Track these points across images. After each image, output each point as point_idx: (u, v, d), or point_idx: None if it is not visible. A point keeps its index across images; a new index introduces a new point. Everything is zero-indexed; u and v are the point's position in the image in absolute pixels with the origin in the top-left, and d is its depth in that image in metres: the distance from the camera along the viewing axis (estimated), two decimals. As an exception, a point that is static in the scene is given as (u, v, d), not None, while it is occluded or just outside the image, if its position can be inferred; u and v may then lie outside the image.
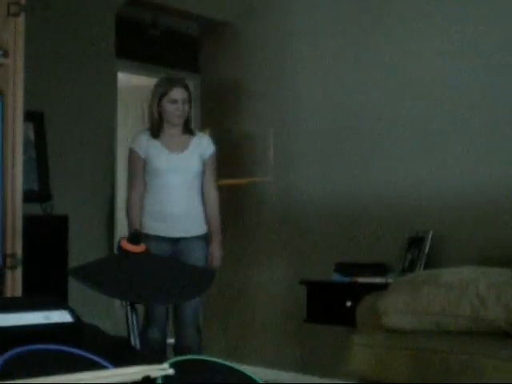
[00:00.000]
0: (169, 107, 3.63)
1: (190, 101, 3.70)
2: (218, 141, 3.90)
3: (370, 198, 4.06)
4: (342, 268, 3.89)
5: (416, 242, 3.80)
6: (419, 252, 3.75)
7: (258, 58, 4.68)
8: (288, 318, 4.40)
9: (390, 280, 3.53)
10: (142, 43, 4.85)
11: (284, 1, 4.59)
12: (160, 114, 3.67)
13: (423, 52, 3.96)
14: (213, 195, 3.70)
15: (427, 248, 3.72)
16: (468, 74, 3.79)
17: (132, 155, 3.68)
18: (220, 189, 3.84)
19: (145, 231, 3.53)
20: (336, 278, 3.86)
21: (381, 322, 3.01)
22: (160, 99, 3.64)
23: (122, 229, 4.23)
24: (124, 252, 1.58)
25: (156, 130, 3.68)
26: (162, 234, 3.58)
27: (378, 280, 3.71)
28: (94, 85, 4.31)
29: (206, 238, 3.66)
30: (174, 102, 3.63)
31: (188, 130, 3.72)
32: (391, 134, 4.06)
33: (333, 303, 3.79)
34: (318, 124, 4.38)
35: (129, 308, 1.50)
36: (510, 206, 3.59)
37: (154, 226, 3.59)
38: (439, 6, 3.91)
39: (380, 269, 3.85)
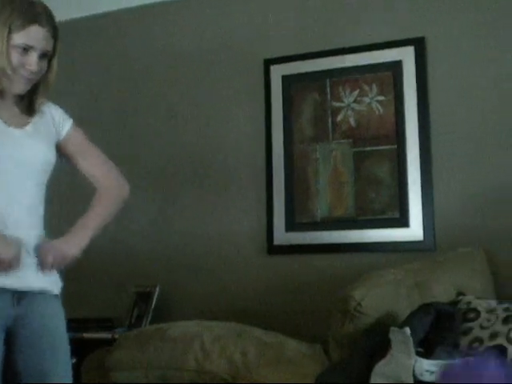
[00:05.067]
0: (15, 56, 2.18)
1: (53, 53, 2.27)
2: None
3: (95, 250, 4.03)
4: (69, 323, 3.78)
5: (143, 296, 3.83)
6: (146, 306, 3.78)
7: None
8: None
9: (116, 335, 3.52)
10: None
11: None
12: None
13: None
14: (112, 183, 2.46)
15: (154, 302, 3.77)
16: None
17: None
18: None
19: None
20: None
21: (109, 378, 2.98)
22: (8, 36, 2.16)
23: None
24: None
25: None
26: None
27: (104, 335, 3.67)
28: None
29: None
30: (26, 48, 2.18)
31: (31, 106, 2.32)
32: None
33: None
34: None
35: None
36: (233, 260, 3.77)
37: None
38: None
39: (107, 324, 3.82)
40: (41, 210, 2.29)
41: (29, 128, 2.29)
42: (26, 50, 2.17)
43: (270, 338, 2.99)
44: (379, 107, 3.55)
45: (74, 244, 2.27)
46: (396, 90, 3.52)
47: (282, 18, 3.81)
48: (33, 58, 2.18)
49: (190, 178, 3.94)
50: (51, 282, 2.27)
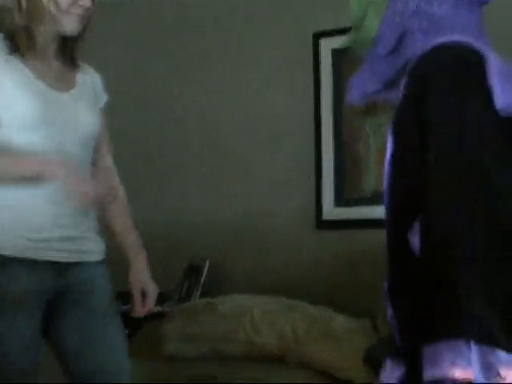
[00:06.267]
0: None
1: None
2: None
3: (144, 226, 4.08)
4: (120, 296, 3.85)
5: (192, 270, 3.87)
6: (196, 281, 3.82)
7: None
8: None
9: (167, 309, 3.57)
10: None
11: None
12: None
13: None
14: (121, 187, 2.30)
15: (204, 277, 3.81)
16: None
17: None
18: None
19: None
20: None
21: (161, 349, 3.03)
22: None
23: None
24: None
25: (26, 41, 1.98)
26: (33, 255, 1.97)
27: (154, 308, 3.71)
28: None
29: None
30: None
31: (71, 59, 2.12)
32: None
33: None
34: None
35: None
36: (281, 235, 3.78)
37: (16, 243, 1.96)
38: None
39: (158, 297, 3.87)
40: None
41: (75, 91, 2.10)
42: None
43: (318, 313, 3.01)
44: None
45: None
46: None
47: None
48: None
49: (237, 152, 3.95)
50: (99, 251, 2.15)
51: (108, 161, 2.27)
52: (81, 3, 1.97)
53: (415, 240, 1.35)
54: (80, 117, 2.08)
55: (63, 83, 2.08)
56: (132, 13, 4.26)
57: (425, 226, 1.32)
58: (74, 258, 2.05)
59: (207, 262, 3.83)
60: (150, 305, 2.27)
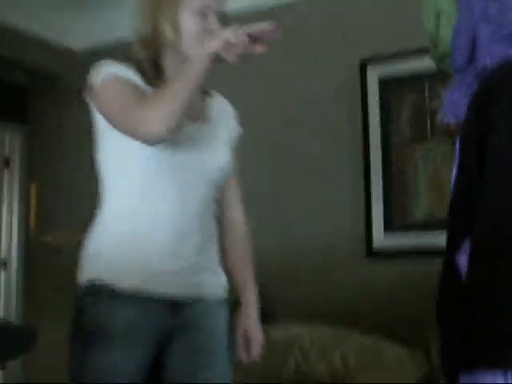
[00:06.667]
0: (192, 23, 1.89)
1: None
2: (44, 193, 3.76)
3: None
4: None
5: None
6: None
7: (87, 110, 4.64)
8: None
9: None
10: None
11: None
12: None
13: None
14: (243, 221, 2.19)
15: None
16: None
17: (118, 82, 1.86)
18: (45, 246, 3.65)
19: (102, 280, 1.87)
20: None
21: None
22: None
23: None
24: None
25: (153, 71, 1.93)
26: (146, 291, 1.87)
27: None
28: None
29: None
30: (204, 11, 1.90)
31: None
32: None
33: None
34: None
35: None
36: (332, 262, 3.76)
37: (131, 276, 1.87)
38: None
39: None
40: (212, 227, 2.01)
41: (210, 123, 1.98)
42: (203, 13, 1.88)
43: (369, 342, 2.97)
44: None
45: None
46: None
47: (376, 15, 3.77)
48: (212, 20, 1.89)
49: (288, 178, 3.95)
50: (218, 285, 2.00)
51: (234, 196, 2.12)
52: (211, 31, 1.88)
53: (462, 260, 1.32)
54: (211, 149, 1.95)
55: (194, 113, 1.93)
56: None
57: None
58: (191, 292, 1.92)
59: (257, 288, 3.81)
60: (254, 354, 2.03)
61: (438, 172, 3.53)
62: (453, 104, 1.51)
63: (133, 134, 1.78)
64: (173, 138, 1.82)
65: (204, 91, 2.01)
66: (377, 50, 3.73)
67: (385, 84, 3.69)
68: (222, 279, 2.03)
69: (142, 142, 1.78)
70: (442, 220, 3.42)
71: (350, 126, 3.78)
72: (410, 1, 3.67)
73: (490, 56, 1.41)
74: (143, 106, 1.78)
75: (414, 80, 3.61)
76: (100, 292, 1.85)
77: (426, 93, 3.58)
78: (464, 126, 1.40)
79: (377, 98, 3.70)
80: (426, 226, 3.51)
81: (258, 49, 1.77)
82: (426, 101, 3.58)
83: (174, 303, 1.89)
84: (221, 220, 2.09)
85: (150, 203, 1.88)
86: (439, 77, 3.51)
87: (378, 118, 3.69)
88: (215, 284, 2.00)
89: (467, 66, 1.47)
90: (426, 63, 3.56)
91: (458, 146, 1.45)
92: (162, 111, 1.74)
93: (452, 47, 1.48)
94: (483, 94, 1.35)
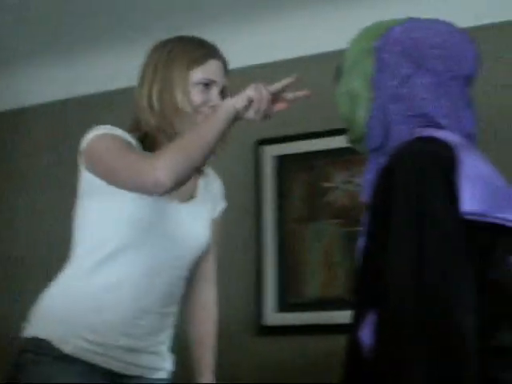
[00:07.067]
0: (196, 94, 1.93)
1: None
2: None
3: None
4: None
5: None
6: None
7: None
8: None
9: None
10: None
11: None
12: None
13: None
14: (214, 301, 2.19)
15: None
16: None
17: (113, 138, 1.83)
18: None
19: (48, 339, 1.81)
20: None
21: None
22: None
23: None
24: None
25: (153, 141, 1.94)
26: (92, 360, 1.84)
27: None
28: None
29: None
30: (208, 83, 1.95)
31: None
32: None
33: None
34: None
35: None
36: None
37: (78, 342, 1.81)
38: None
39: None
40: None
41: (195, 202, 2.00)
42: (207, 85, 1.94)
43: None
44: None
45: None
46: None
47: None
48: (214, 93, 1.95)
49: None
50: (163, 369, 2.00)
51: (209, 272, 2.14)
52: (211, 104, 1.94)
53: (365, 335, 1.32)
54: (193, 229, 1.97)
55: (185, 193, 1.96)
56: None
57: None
58: (133, 372, 1.91)
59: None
60: None
61: (328, 252, 3.56)
62: (368, 184, 1.56)
63: (137, 179, 1.68)
64: (154, 213, 1.83)
65: (200, 171, 2.03)
66: (272, 132, 3.78)
67: (279, 163, 3.74)
68: (168, 364, 2.01)
69: (145, 191, 1.70)
70: (334, 299, 3.46)
71: (242, 205, 3.78)
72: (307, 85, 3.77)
73: (398, 136, 1.46)
74: (154, 154, 1.73)
75: (307, 160, 3.67)
76: (43, 352, 1.78)
77: (319, 173, 3.65)
78: (373, 198, 1.43)
79: (270, 176, 3.73)
80: (317, 304, 3.52)
81: (280, 106, 1.81)
82: (319, 181, 3.64)
83: (117, 376, 1.86)
84: (191, 296, 2.08)
85: (116, 274, 1.82)
86: (331, 159, 3.61)
87: (271, 193, 3.71)
88: (160, 368, 1.98)
89: (381, 146, 1.51)
90: (318, 145, 3.67)
91: (366, 217, 1.48)
92: (173, 159, 1.67)
93: (367, 129, 1.52)
94: (385, 170, 1.39)
